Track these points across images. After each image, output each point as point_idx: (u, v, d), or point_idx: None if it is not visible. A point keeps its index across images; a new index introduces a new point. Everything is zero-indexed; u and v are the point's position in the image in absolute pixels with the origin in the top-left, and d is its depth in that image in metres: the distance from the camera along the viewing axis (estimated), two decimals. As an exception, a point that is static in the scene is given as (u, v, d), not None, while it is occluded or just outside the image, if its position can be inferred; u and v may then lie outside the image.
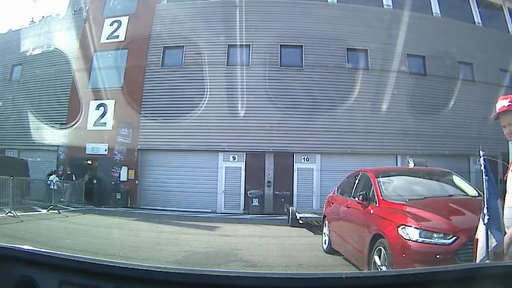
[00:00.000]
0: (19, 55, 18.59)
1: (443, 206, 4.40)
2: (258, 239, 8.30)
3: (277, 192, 14.47)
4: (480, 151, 3.55)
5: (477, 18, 17.35)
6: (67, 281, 1.11)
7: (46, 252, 1.22)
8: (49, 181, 14.04)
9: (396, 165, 14.07)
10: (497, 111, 2.44)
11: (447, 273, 1.10)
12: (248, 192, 14.28)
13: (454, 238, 3.66)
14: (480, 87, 15.59)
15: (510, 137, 2.46)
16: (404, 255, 3.76)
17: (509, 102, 2.40)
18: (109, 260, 1.13)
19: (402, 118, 14.48)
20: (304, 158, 14.96)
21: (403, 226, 3.92)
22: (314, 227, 9.63)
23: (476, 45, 15.82)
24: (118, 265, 1.10)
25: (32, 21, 19.96)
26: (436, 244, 3.70)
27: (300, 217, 10.05)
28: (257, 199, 14.04)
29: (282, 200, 14.11)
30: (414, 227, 3.83)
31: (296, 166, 14.93)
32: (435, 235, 3.74)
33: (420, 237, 3.76)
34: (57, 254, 1.19)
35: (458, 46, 15.51)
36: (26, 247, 1.26)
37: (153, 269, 1.06)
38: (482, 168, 3.42)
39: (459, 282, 1.04)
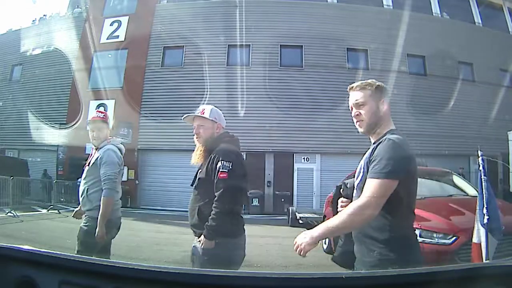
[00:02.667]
0: (19, 55, 18.59)
1: (443, 206, 4.40)
2: (258, 239, 8.29)
3: (277, 192, 14.47)
4: (478, 151, 3.54)
5: (477, 18, 17.34)
6: (67, 281, 1.11)
7: (46, 252, 1.22)
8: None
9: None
10: (89, 119, 3.22)
11: (447, 273, 1.10)
12: (248, 192, 14.25)
13: (454, 238, 3.66)
14: (480, 87, 15.59)
15: (93, 141, 3.26)
16: (404, 255, 3.76)
17: (103, 115, 3.32)
18: (109, 260, 1.13)
19: (402, 118, 14.44)
20: (304, 158, 14.96)
21: (403, 226, 3.92)
22: (314, 227, 9.62)
23: (476, 45, 15.81)
24: (118, 265, 1.09)
25: (33, 21, 19.96)
26: (436, 244, 3.70)
27: (300, 217, 10.05)
28: (257, 199, 14.03)
29: (282, 200, 14.11)
30: (414, 227, 3.83)
31: (296, 166, 14.93)
32: (435, 235, 3.74)
33: (420, 237, 3.75)
34: (57, 254, 1.19)
35: (458, 46, 15.51)
36: (26, 247, 1.25)
37: (153, 269, 1.05)
38: (481, 168, 3.41)
39: (459, 282, 1.04)
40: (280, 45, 15.48)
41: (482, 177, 3.42)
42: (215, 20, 15.52)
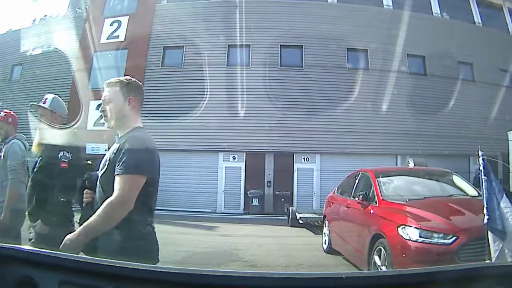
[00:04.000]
0: (19, 55, 18.57)
1: (443, 206, 4.41)
2: (258, 239, 8.30)
3: (277, 192, 14.46)
4: (479, 151, 3.55)
5: (477, 18, 17.33)
6: (67, 281, 1.11)
7: (46, 252, 1.22)
8: None
9: (396, 165, 14.07)
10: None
11: (447, 273, 1.10)
12: (248, 192, 14.27)
13: (454, 238, 3.66)
14: (480, 87, 15.58)
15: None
16: (404, 255, 3.77)
17: (4, 114, 3.45)
18: (109, 260, 1.12)
19: (402, 118, 14.47)
20: (304, 158, 14.95)
21: (403, 226, 3.92)
22: (314, 227, 9.63)
23: (476, 45, 15.81)
24: (118, 265, 1.09)
25: (33, 21, 19.95)
26: (436, 244, 3.70)
27: (300, 217, 10.06)
28: (257, 199, 14.03)
29: (282, 200, 14.10)
30: (414, 227, 3.83)
31: (296, 166, 14.92)
32: (435, 235, 3.74)
33: (420, 237, 3.76)
34: (57, 254, 1.19)
35: (458, 46, 15.51)
36: (26, 247, 1.26)
37: (153, 269, 1.06)
38: (481, 168, 3.42)
39: (459, 282, 1.04)
40: (280, 45, 15.47)
41: (482, 177, 3.44)
42: (215, 20, 15.50)
